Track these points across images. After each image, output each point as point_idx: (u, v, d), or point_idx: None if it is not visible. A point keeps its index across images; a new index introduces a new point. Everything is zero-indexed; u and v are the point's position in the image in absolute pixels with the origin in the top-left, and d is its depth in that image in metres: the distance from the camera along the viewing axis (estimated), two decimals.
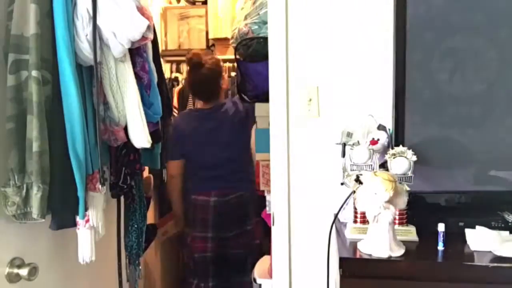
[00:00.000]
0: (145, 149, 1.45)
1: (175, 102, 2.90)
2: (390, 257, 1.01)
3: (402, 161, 1.13)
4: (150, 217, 2.44)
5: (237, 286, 2.53)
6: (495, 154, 1.25)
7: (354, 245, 1.10)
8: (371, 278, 1.03)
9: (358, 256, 1.05)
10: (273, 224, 1.58)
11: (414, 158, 1.13)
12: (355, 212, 1.21)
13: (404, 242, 1.07)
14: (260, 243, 2.59)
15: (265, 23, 1.73)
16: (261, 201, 2.17)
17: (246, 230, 2.49)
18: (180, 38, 3.05)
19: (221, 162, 2.44)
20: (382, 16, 1.40)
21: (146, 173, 2.31)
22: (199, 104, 2.66)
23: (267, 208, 1.81)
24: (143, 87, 1.37)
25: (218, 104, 2.49)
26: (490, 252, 1.03)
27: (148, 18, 1.22)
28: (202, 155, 2.46)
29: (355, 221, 1.21)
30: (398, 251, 1.03)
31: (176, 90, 2.96)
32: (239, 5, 2.01)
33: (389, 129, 1.29)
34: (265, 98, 1.61)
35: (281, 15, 1.49)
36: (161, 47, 2.89)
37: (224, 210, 2.43)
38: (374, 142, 1.20)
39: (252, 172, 2.15)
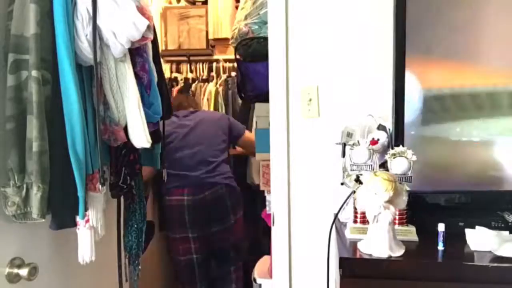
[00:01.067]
0: (145, 149, 1.45)
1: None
2: (390, 257, 1.01)
3: (402, 161, 1.13)
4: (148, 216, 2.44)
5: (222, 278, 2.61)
6: (495, 154, 1.25)
7: (354, 245, 1.10)
8: (371, 278, 1.03)
9: (358, 256, 1.05)
10: (273, 224, 1.58)
11: (414, 158, 1.13)
12: (355, 212, 1.20)
13: (404, 242, 1.07)
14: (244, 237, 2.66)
15: (265, 23, 1.73)
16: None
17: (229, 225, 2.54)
18: (180, 38, 3.05)
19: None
20: (382, 16, 1.40)
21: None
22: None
23: (267, 208, 1.81)
24: (143, 87, 1.37)
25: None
26: (490, 252, 1.03)
27: (148, 18, 1.21)
28: None
29: (355, 221, 1.21)
30: (398, 251, 1.03)
31: (175, 90, 2.96)
32: (240, 5, 2.01)
33: (389, 129, 1.29)
34: (265, 98, 1.61)
35: (281, 15, 1.49)
36: (161, 47, 2.89)
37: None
38: (374, 142, 1.20)
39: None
